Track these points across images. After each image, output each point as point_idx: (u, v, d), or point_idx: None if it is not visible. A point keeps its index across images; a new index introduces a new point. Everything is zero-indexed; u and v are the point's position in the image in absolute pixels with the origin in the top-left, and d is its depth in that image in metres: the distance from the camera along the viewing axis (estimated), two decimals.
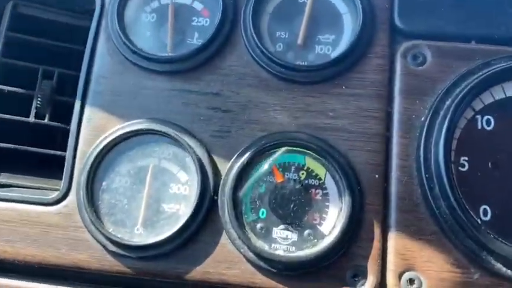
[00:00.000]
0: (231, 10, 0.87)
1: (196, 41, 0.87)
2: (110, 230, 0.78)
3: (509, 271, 0.71)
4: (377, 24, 0.85)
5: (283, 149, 0.80)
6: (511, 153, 0.77)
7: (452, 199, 0.72)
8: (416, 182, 0.77)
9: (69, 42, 0.95)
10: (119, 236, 0.78)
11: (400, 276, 0.74)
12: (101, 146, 0.82)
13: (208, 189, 0.78)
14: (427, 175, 0.75)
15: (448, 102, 0.78)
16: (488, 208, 0.75)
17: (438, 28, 0.85)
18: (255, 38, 0.83)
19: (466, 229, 0.72)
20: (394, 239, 0.75)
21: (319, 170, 0.79)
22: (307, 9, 0.86)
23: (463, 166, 0.77)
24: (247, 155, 0.79)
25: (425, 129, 0.77)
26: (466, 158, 0.77)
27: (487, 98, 0.80)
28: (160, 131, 0.81)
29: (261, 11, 0.88)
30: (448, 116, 0.76)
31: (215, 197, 0.78)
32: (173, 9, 0.89)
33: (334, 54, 0.84)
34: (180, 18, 0.89)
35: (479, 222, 0.73)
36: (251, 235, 0.76)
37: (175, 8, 0.90)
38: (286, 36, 0.87)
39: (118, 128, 0.83)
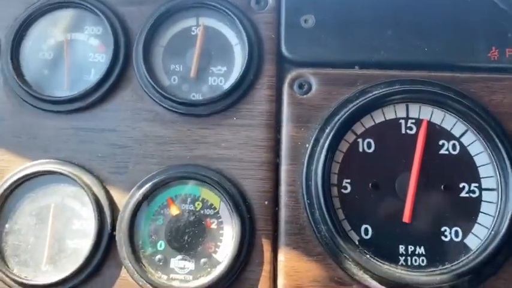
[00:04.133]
0: (123, 46, 0.89)
1: (93, 77, 0.89)
2: (14, 271, 0.81)
3: (383, 287, 0.77)
4: (264, 55, 0.89)
5: (178, 181, 0.84)
6: (389, 174, 0.82)
7: (330, 224, 0.77)
8: (302, 207, 0.82)
9: None
10: (23, 276, 0.81)
11: None
12: (2, 189, 0.84)
13: (106, 226, 0.82)
14: (308, 201, 0.80)
15: (327, 130, 0.82)
16: (369, 227, 0.81)
17: (323, 56, 0.89)
18: (146, 74, 0.86)
19: (343, 251, 0.77)
20: (283, 262, 0.80)
21: (214, 199, 0.83)
22: (198, 41, 0.89)
23: (346, 188, 0.82)
24: (143, 189, 0.82)
25: (307, 157, 0.82)
26: (349, 180, 0.83)
27: (368, 122, 0.85)
28: (57, 172, 0.84)
29: (154, 44, 0.90)
30: (326, 144, 0.81)
31: (114, 233, 0.82)
32: (68, 46, 0.91)
33: (227, 85, 0.88)
34: (76, 55, 0.91)
35: (357, 243, 0.79)
36: (148, 268, 0.80)
37: (72, 45, 0.92)
38: (181, 69, 0.90)
39: (19, 170, 0.86)
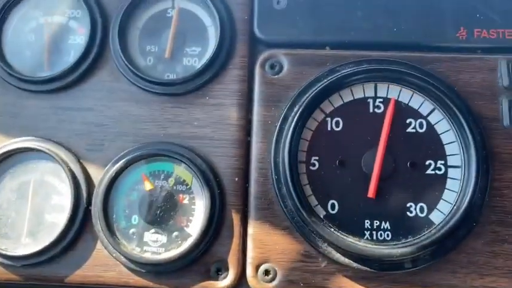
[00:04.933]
0: (100, 27, 0.92)
1: (72, 59, 0.92)
2: None
3: (346, 259, 0.80)
4: (237, 35, 0.91)
5: (152, 158, 0.87)
6: (356, 151, 0.84)
7: (295, 199, 0.80)
8: (270, 183, 0.84)
9: None
10: (4, 247, 0.85)
11: (257, 268, 0.82)
12: None
13: (82, 200, 0.85)
14: (276, 177, 0.83)
15: (295, 108, 0.85)
16: (336, 203, 0.83)
17: (295, 37, 0.91)
18: (122, 55, 0.89)
19: (308, 225, 0.80)
20: (252, 235, 0.83)
21: (187, 176, 0.86)
22: (172, 23, 0.92)
23: (314, 165, 0.85)
24: (117, 165, 0.85)
25: (275, 134, 0.85)
26: (317, 158, 0.85)
27: (337, 101, 0.86)
28: (36, 149, 0.87)
29: (130, 26, 0.93)
30: (294, 121, 0.83)
31: (89, 207, 0.86)
32: (49, 28, 0.94)
33: (199, 65, 0.90)
34: (57, 37, 0.94)
35: (323, 217, 0.81)
36: (122, 241, 0.83)
37: (52, 28, 0.94)
38: (156, 50, 0.92)
39: (0, 147, 0.89)
